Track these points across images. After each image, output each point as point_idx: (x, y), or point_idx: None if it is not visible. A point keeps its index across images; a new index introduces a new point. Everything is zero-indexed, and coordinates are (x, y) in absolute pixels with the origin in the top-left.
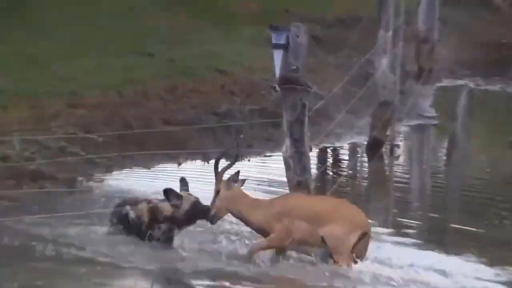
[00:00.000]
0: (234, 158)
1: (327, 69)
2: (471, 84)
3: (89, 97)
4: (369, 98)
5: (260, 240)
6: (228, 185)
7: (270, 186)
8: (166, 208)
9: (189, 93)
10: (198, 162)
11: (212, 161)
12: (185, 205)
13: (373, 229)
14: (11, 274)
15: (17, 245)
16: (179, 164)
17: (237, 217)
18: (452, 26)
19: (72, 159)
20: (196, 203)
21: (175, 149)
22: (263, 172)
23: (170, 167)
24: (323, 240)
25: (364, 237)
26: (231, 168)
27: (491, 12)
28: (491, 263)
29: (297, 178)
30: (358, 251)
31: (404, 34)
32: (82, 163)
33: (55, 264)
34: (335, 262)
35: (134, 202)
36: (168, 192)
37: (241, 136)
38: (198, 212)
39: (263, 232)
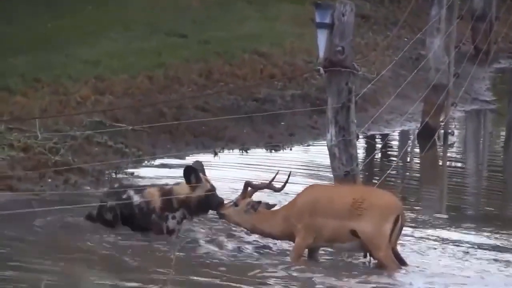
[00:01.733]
0: (266, 186)
1: (375, 50)
2: None
3: (117, 82)
4: (420, 82)
5: (291, 251)
6: (246, 209)
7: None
8: (181, 191)
9: (225, 77)
10: (236, 152)
11: (251, 151)
12: (199, 191)
13: None
14: None
15: None
16: (215, 154)
17: (256, 234)
18: None
19: (100, 150)
20: (210, 191)
21: (211, 138)
22: (306, 161)
23: (206, 157)
24: (353, 234)
25: (398, 221)
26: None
27: None
28: None
29: (344, 168)
30: (395, 237)
31: (459, 11)
32: (110, 154)
33: None
34: (374, 258)
35: (138, 188)
36: (189, 171)
37: (282, 123)
38: (210, 201)
39: (289, 237)
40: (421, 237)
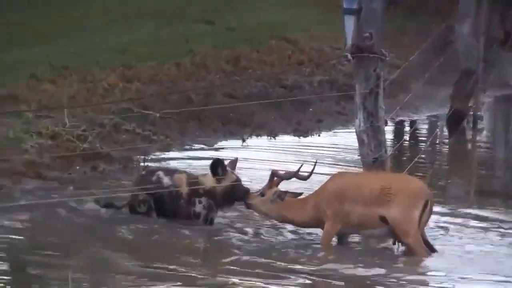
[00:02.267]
0: (292, 175)
1: (404, 36)
2: None
3: (144, 69)
4: (449, 67)
5: (321, 236)
6: (273, 199)
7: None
8: (207, 182)
9: (253, 64)
10: (264, 138)
11: (279, 137)
12: (225, 182)
13: None
14: None
15: None
16: (243, 140)
17: (284, 222)
18: None
19: (128, 137)
20: (236, 182)
21: (239, 125)
22: (334, 148)
23: (233, 144)
24: (382, 220)
25: (427, 206)
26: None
27: None
28: None
29: (372, 155)
30: (423, 222)
31: None
32: (138, 141)
33: None
34: (403, 244)
35: (167, 170)
36: (217, 164)
37: (310, 110)
38: (236, 192)
39: (317, 225)
40: (450, 221)
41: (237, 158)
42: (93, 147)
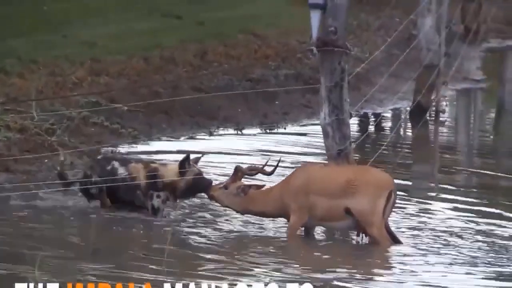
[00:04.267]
0: (258, 170)
1: (367, 30)
2: None
3: (113, 63)
4: (412, 61)
5: (287, 230)
6: (236, 193)
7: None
8: (167, 173)
9: (220, 58)
10: (231, 131)
11: (246, 131)
12: (188, 176)
13: None
14: None
15: None
16: (210, 133)
17: (247, 214)
18: None
19: (96, 130)
20: (199, 175)
21: (206, 117)
22: (300, 140)
23: (200, 137)
24: (347, 212)
25: (391, 197)
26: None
27: None
28: None
29: (337, 147)
30: (387, 213)
31: None
32: (106, 134)
33: None
34: (369, 236)
35: (123, 160)
36: (187, 159)
37: (277, 102)
38: (199, 185)
39: (282, 215)
40: (413, 212)
41: (201, 156)
42: (61, 140)
